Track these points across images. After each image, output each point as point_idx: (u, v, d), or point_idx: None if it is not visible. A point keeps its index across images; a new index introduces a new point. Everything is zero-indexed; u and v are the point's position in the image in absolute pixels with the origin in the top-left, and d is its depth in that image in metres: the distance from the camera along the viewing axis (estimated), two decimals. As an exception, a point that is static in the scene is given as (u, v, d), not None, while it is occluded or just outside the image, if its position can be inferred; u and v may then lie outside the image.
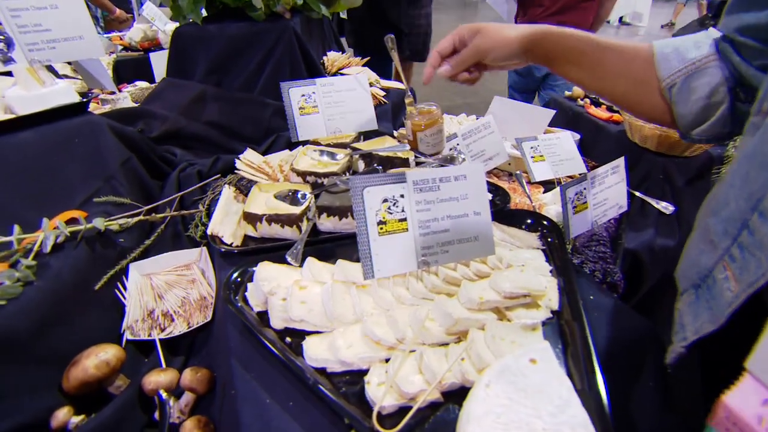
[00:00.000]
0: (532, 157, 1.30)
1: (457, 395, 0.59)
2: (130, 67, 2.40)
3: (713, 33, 0.65)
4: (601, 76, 0.76)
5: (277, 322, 0.69)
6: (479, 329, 0.66)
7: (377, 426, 0.53)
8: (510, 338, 0.64)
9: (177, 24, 1.67)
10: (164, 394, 0.69)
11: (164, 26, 2.56)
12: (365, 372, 0.61)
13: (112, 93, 1.84)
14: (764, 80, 0.51)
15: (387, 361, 0.63)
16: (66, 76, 1.99)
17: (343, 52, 1.90)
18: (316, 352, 0.63)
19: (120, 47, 2.69)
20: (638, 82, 0.71)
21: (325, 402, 0.58)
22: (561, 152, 1.35)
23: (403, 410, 0.57)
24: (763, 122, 0.48)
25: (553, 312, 0.73)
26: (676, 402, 0.71)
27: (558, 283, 0.78)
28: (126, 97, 1.81)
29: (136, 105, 1.70)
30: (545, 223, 0.94)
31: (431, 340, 0.65)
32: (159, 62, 2.14)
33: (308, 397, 0.61)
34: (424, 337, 0.64)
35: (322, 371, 0.63)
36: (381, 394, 0.56)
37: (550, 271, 0.81)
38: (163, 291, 0.91)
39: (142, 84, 2.12)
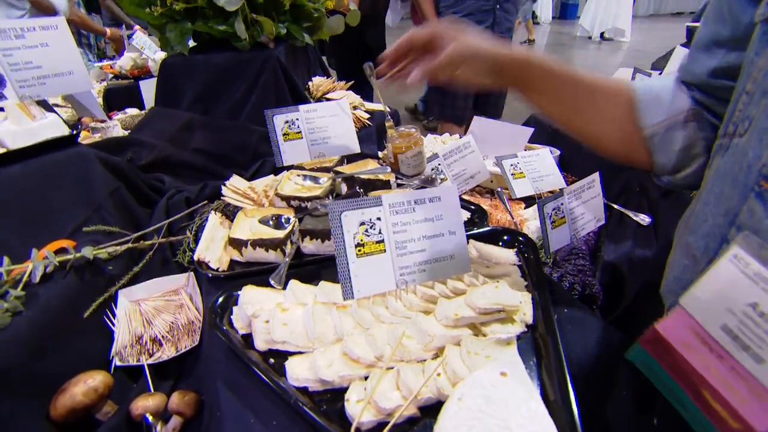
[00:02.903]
0: (512, 174, 1.34)
1: (434, 410, 0.61)
2: (121, 94, 2.45)
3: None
4: (576, 115, 0.73)
5: (260, 344, 0.71)
6: (455, 345, 0.68)
7: (355, 442, 0.55)
8: (485, 353, 0.67)
9: (166, 53, 1.72)
10: (150, 418, 0.71)
11: (154, 54, 2.62)
12: (346, 390, 0.64)
13: (103, 121, 1.88)
14: (729, 106, 0.53)
15: (366, 378, 0.65)
16: (56, 105, 2.02)
17: (328, 76, 1.95)
18: (297, 372, 0.65)
19: (110, 75, 2.75)
20: (617, 125, 0.69)
21: (307, 420, 0.60)
22: (540, 168, 1.40)
23: (382, 426, 0.59)
24: (730, 143, 0.51)
25: (528, 326, 0.76)
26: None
27: (533, 297, 0.81)
28: (116, 125, 1.84)
29: (126, 132, 1.74)
30: (521, 239, 0.98)
31: (409, 357, 0.67)
32: (149, 89, 2.19)
33: (291, 416, 0.63)
34: (402, 354, 0.67)
35: (304, 390, 0.65)
36: (360, 411, 0.58)
37: (526, 286, 0.84)
38: (152, 316, 0.93)
39: (133, 111, 2.16)
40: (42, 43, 1.01)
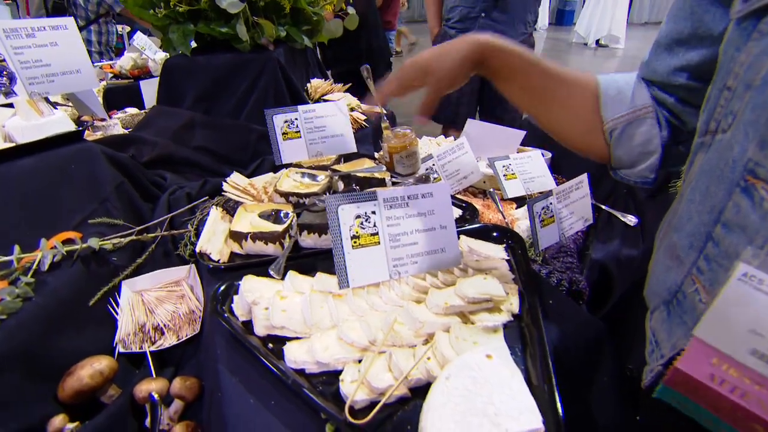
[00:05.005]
0: (504, 175, 1.38)
1: (424, 391, 0.64)
2: (121, 94, 2.47)
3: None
4: (542, 104, 0.76)
5: (260, 329, 0.75)
6: (444, 331, 0.72)
7: (349, 417, 0.59)
8: (472, 339, 0.71)
9: (166, 53, 1.76)
10: (156, 396, 0.75)
11: (154, 55, 2.66)
12: (341, 372, 0.67)
13: (103, 119, 1.91)
14: (707, 105, 0.54)
15: (360, 361, 0.69)
16: (57, 104, 2.05)
17: (326, 78, 2.00)
18: (295, 355, 0.69)
19: (110, 75, 2.78)
20: (580, 117, 0.72)
21: (304, 399, 0.64)
22: (532, 170, 1.44)
23: (374, 405, 0.62)
24: (712, 140, 0.52)
25: (514, 316, 0.80)
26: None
27: (519, 289, 0.85)
28: (116, 124, 1.87)
29: (126, 131, 1.77)
30: (511, 236, 1.02)
31: (401, 342, 0.71)
32: (149, 89, 2.23)
33: (288, 396, 0.67)
34: (394, 339, 0.71)
35: (301, 372, 0.69)
36: (353, 390, 0.62)
37: (513, 279, 0.88)
38: (154, 306, 0.96)
39: (132, 110, 2.19)
40: (51, 42, 1.05)
